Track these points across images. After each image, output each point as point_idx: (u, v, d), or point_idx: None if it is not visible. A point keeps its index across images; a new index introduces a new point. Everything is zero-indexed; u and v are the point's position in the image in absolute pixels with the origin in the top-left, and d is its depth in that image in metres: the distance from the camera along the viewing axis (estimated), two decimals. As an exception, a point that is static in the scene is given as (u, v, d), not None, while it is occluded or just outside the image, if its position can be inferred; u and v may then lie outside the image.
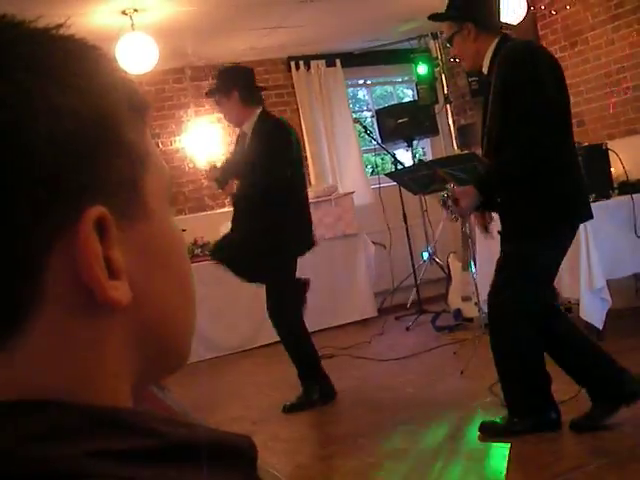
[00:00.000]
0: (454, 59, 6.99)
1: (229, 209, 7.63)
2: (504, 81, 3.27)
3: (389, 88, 9.68)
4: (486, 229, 3.81)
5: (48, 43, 0.50)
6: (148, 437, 0.47)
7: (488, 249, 5.49)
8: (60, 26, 0.52)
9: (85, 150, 0.48)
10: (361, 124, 7.37)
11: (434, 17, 3.66)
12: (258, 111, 4.48)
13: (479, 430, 3.58)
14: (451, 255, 6.42)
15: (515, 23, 6.45)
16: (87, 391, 0.49)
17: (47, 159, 0.46)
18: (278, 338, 6.28)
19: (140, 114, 0.55)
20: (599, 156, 5.11)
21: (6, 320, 0.47)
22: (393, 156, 7.26)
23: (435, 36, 8.00)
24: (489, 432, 3.55)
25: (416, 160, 7.82)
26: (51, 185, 0.46)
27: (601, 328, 4.63)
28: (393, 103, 8.86)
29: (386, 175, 6.78)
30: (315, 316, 6.81)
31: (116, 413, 0.48)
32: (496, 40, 3.41)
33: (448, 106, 8.26)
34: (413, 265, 7.25)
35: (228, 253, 4.49)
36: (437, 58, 8.11)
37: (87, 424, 0.46)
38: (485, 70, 3.47)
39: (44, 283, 0.47)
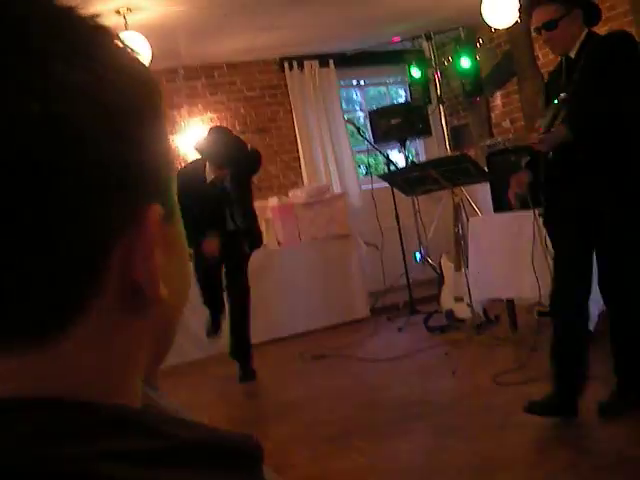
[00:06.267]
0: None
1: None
2: (605, 55, 3.47)
3: (382, 89, 9.69)
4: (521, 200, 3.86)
5: (96, 37, 0.49)
6: (161, 438, 0.47)
7: (480, 250, 5.50)
8: (97, 16, 0.50)
9: (141, 146, 0.49)
10: (354, 125, 7.37)
11: (541, 0, 3.71)
12: None
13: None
14: (443, 256, 6.42)
15: (510, 25, 6.47)
16: (116, 389, 0.50)
17: (110, 155, 0.46)
18: (268, 338, 6.37)
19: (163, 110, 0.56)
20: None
21: (62, 310, 0.46)
22: (386, 157, 7.27)
23: (428, 37, 8.01)
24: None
25: (409, 161, 7.83)
26: (117, 181, 0.46)
27: (593, 330, 4.63)
28: (386, 104, 8.87)
29: (379, 176, 6.80)
30: (307, 316, 6.83)
31: (129, 413, 0.48)
32: (586, 30, 3.62)
33: (441, 107, 8.26)
34: (405, 266, 7.26)
35: None
36: (430, 59, 8.12)
37: (100, 424, 0.46)
38: (573, 55, 3.63)
39: (104, 276, 0.47)
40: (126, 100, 0.48)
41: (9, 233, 0.43)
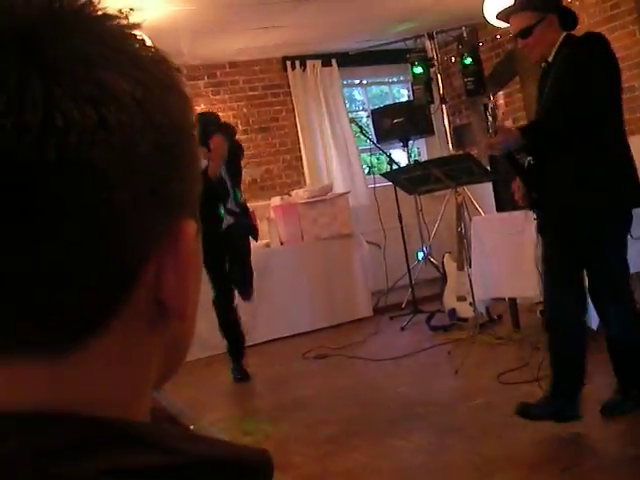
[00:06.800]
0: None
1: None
2: (579, 58, 3.48)
3: (385, 88, 9.68)
4: (523, 200, 3.84)
5: (135, 45, 0.50)
6: (166, 454, 0.46)
7: (483, 249, 5.50)
8: (137, 26, 0.51)
9: (182, 160, 0.49)
10: (357, 124, 7.37)
11: (515, 8, 3.70)
12: None
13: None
14: (446, 255, 6.42)
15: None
16: (127, 402, 0.49)
17: (154, 167, 0.46)
18: (270, 337, 6.37)
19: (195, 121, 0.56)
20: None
21: (88, 321, 0.46)
22: (389, 156, 7.26)
23: (431, 36, 8.00)
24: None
25: (411, 160, 7.82)
26: (159, 192, 0.47)
27: (596, 328, 4.63)
28: (389, 103, 8.86)
29: (381, 175, 6.79)
30: (310, 316, 6.84)
31: (135, 428, 0.48)
32: (564, 34, 3.61)
33: (444, 106, 8.25)
34: (408, 265, 7.25)
35: None
36: (433, 58, 8.10)
37: (103, 439, 0.45)
38: (551, 59, 3.62)
39: (136, 285, 0.47)
40: (171, 114, 0.48)
41: (51, 238, 0.43)
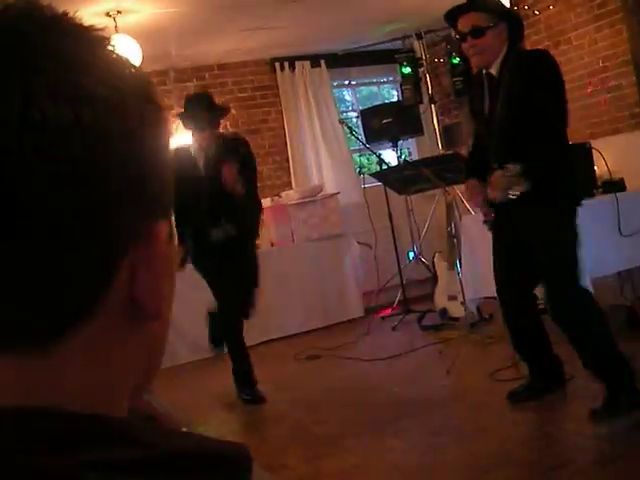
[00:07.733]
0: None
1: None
2: (527, 77, 3.53)
3: (374, 88, 9.69)
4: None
5: (107, 51, 0.51)
6: (146, 448, 0.47)
7: (473, 248, 5.50)
8: (102, 33, 0.52)
9: (155, 164, 0.51)
10: (346, 125, 7.37)
11: (469, 8, 3.70)
12: None
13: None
14: (437, 255, 6.43)
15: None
16: (105, 400, 0.50)
17: (128, 168, 0.48)
18: (262, 339, 6.26)
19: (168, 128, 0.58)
20: (583, 155, 5.13)
21: (69, 316, 0.47)
22: (378, 156, 7.27)
23: (419, 36, 8.01)
24: None
25: (401, 160, 7.82)
26: (133, 193, 0.48)
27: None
28: (378, 103, 8.86)
29: (371, 175, 6.79)
30: (301, 317, 6.83)
31: (116, 424, 0.48)
32: (506, 47, 3.65)
33: (433, 106, 8.26)
34: (399, 265, 7.26)
35: None
36: (421, 58, 8.12)
37: (84, 434, 0.46)
38: (494, 71, 3.66)
39: (111, 286, 0.48)
40: (144, 121, 0.50)
41: (31, 238, 0.44)
